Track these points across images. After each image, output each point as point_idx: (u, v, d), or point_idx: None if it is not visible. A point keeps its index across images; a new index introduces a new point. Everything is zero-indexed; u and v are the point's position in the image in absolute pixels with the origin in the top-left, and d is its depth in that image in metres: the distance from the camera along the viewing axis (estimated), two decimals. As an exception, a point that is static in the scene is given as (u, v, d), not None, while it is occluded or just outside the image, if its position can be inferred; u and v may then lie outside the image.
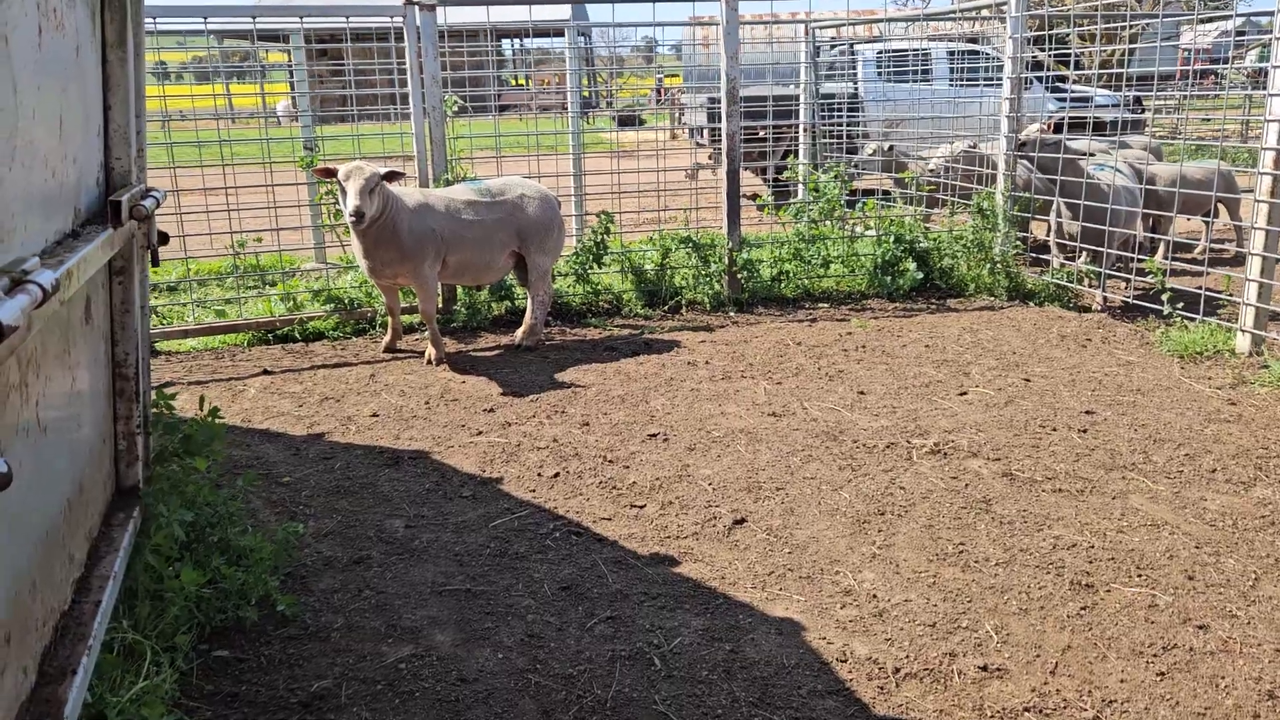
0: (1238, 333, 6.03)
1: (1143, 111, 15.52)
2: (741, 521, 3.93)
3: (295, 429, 5.15)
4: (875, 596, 3.36)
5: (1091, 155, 7.75)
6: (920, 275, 7.81)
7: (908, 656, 3.02)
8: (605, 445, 4.81)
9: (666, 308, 7.55)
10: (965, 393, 5.49)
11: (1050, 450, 4.60)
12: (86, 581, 2.69)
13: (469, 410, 5.37)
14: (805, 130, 11.51)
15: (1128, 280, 7.62)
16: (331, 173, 5.72)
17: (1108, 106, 15.03)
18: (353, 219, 5.51)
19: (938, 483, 4.26)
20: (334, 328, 6.96)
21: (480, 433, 5.03)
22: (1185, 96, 15.39)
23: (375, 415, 5.32)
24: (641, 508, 4.10)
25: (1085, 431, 4.83)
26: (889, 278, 7.87)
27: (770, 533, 3.84)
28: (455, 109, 7.34)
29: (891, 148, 10.41)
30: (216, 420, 3.51)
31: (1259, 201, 5.84)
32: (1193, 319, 6.46)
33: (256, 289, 7.60)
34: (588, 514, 4.06)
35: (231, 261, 7.27)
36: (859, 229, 8.63)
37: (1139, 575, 3.42)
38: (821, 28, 11.65)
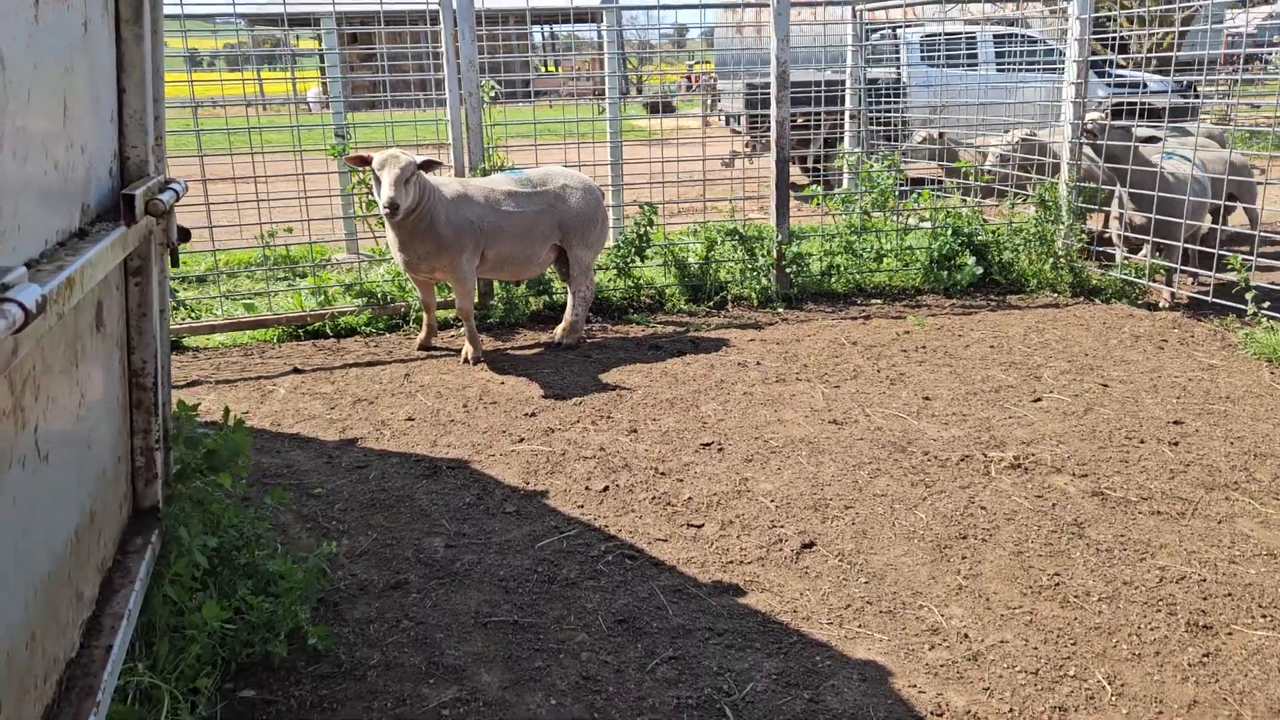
0: (1331, 335, 5.61)
1: (1196, 97, 14.93)
2: (810, 545, 3.60)
3: (327, 433, 4.87)
4: (967, 636, 3.02)
5: (1157, 141, 7.31)
6: (980, 270, 7.42)
7: (1012, 710, 2.68)
8: (656, 455, 4.49)
9: (711, 303, 7.21)
10: (1039, 399, 5.12)
11: (1140, 465, 4.23)
12: (97, 621, 2.41)
13: (509, 414, 5.07)
14: (851, 117, 11.12)
15: (1195, 275, 7.18)
16: (365, 161, 5.42)
17: (1161, 92, 14.48)
18: (387, 210, 5.22)
19: (1021, 502, 3.90)
20: (366, 323, 6.68)
21: (522, 440, 4.73)
22: (1237, 81, 14.84)
23: (410, 419, 5.03)
24: (699, 527, 3.78)
25: (1176, 444, 4.45)
26: (945, 272, 7.49)
27: (842, 558, 3.51)
28: (492, 95, 7.04)
29: (941, 134, 10.00)
30: (243, 430, 3.22)
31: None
32: (1277, 318, 6.05)
33: (287, 280, 7.35)
34: (641, 534, 3.74)
35: (261, 252, 7.00)
36: (912, 220, 8.24)
37: (1263, 616, 3.06)
38: (870, 10, 11.22)
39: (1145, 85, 14.57)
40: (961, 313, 6.94)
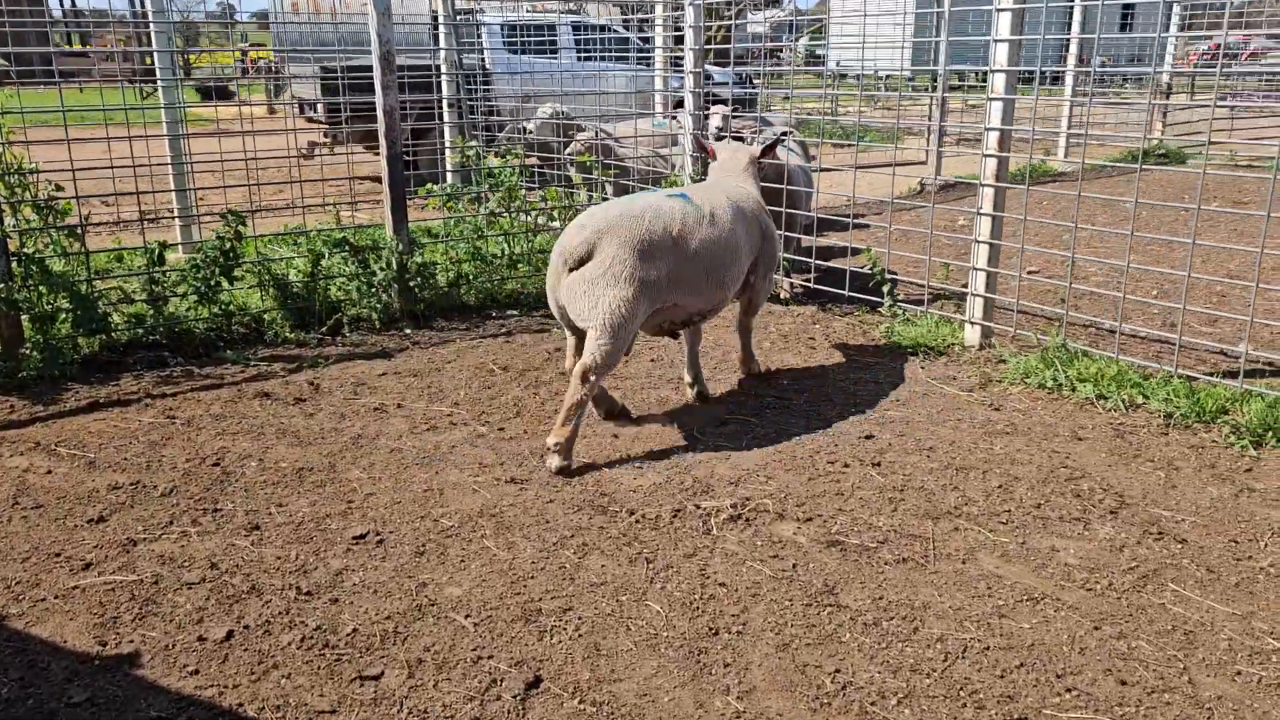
0: (966, 325, 5.73)
1: (754, 89, 15.87)
2: (535, 683, 2.70)
3: None
4: (771, 794, 2.32)
5: (786, 135, 7.27)
6: (619, 272, 6.89)
7: None
8: (294, 563, 3.33)
9: (325, 329, 6.00)
10: (725, 423, 4.62)
11: (857, 496, 3.84)
12: None
13: (65, 523, 3.60)
14: (450, 105, 10.23)
15: (807, 266, 7.21)
16: None
17: (724, 83, 15.20)
18: None
19: (760, 569, 3.30)
20: None
21: (89, 565, 3.32)
22: (797, 74, 16.11)
23: (-101, 553, 3.39)
24: (378, 679, 2.73)
25: (879, 465, 4.13)
26: (584, 276, 6.87)
27: (582, 697, 2.65)
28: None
29: (565, 112, 9.48)
30: None
31: (984, 185, 5.54)
32: (906, 307, 6.14)
33: None
34: (296, 705, 2.62)
35: None
36: (541, 219, 7.54)
37: (1068, 691, 2.67)
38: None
39: (711, 77, 15.23)
40: (609, 321, 6.35)
